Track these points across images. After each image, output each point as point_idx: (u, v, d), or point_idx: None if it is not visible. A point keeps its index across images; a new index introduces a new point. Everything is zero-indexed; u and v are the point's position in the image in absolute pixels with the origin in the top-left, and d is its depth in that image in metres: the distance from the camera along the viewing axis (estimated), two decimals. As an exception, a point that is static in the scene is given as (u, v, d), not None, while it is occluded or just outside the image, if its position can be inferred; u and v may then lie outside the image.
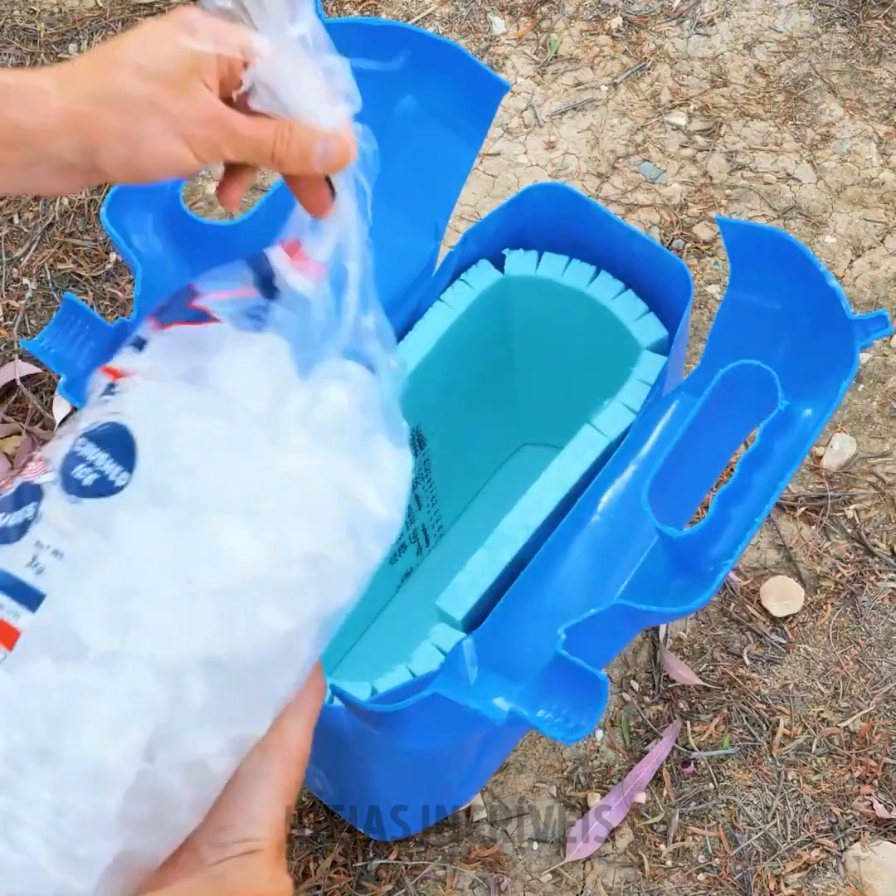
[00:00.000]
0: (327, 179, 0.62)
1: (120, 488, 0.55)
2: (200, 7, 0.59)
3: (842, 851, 1.19)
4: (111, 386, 0.60)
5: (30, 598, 0.53)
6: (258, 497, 0.56)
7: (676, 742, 1.23)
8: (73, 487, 0.55)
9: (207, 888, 0.54)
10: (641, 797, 1.20)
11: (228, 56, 0.58)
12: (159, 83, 0.57)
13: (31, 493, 0.56)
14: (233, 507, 0.56)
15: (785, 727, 1.24)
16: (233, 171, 0.65)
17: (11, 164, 0.58)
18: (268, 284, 0.61)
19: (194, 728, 0.54)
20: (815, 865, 1.18)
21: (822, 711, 1.25)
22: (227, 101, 0.59)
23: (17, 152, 0.58)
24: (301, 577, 0.56)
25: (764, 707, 1.25)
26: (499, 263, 1.10)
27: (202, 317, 0.60)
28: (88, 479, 0.55)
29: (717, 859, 1.18)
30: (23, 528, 0.55)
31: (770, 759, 1.23)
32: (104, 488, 0.55)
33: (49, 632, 0.53)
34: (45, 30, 1.67)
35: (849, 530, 1.34)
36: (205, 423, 0.58)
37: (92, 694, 0.53)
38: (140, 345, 0.61)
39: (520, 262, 1.10)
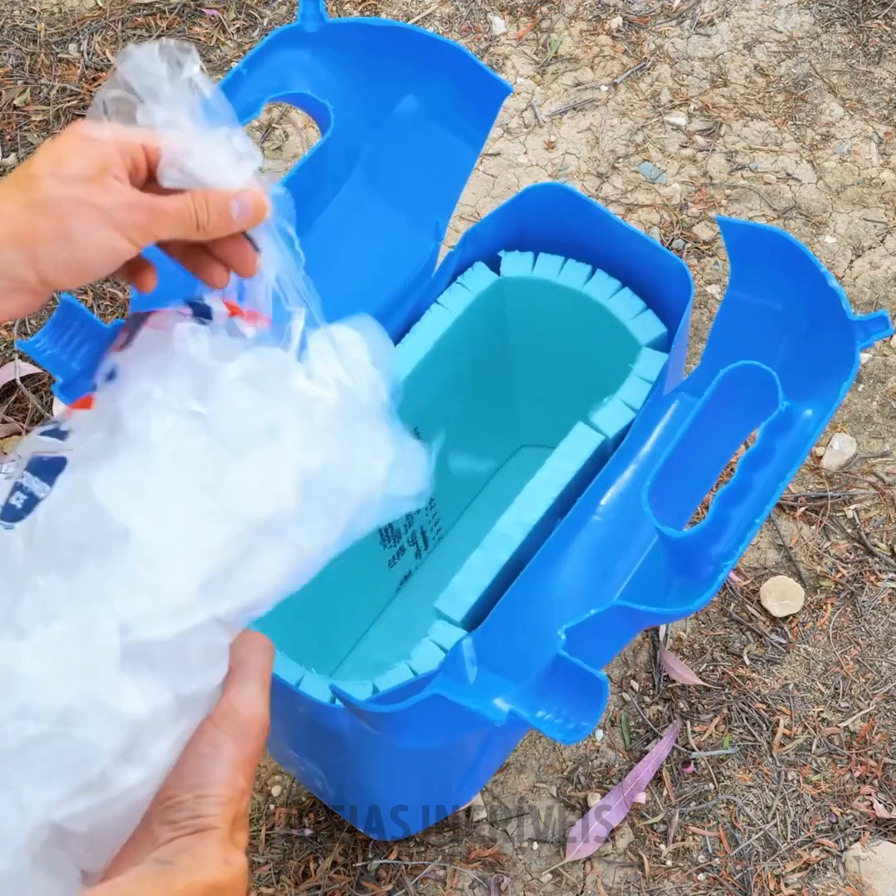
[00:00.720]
0: (249, 238, 0.66)
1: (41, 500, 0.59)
2: (91, 113, 0.64)
3: (842, 851, 1.18)
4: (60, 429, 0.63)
5: None
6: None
7: (676, 742, 1.23)
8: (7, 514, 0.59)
9: (152, 878, 0.52)
10: (641, 797, 1.20)
11: (131, 148, 0.62)
12: (79, 184, 0.60)
13: None
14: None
15: (785, 727, 1.24)
16: (190, 261, 0.67)
17: None
18: (207, 316, 0.66)
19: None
20: (815, 865, 1.18)
21: (822, 711, 1.25)
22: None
23: None
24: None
25: (764, 707, 1.25)
26: (495, 265, 1.10)
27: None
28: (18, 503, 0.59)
29: (717, 859, 1.18)
30: None
31: (770, 759, 1.23)
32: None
33: None
34: (45, 30, 1.67)
35: (849, 530, 1.34)
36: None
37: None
38: (110, 375, 0.65)
39: (516, 264, 1.09)
